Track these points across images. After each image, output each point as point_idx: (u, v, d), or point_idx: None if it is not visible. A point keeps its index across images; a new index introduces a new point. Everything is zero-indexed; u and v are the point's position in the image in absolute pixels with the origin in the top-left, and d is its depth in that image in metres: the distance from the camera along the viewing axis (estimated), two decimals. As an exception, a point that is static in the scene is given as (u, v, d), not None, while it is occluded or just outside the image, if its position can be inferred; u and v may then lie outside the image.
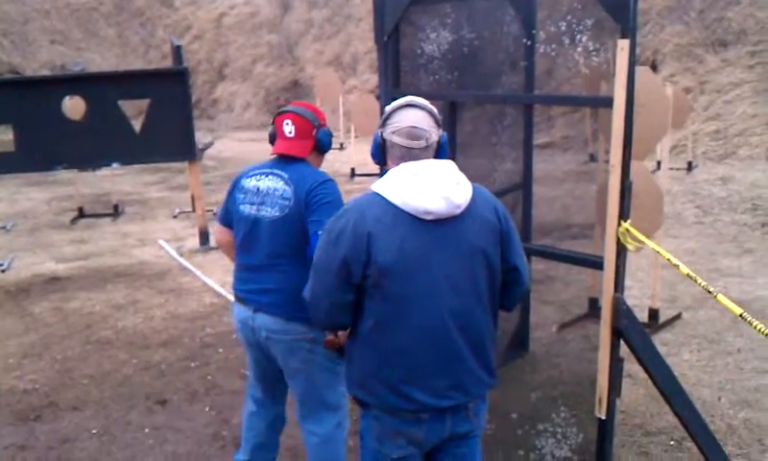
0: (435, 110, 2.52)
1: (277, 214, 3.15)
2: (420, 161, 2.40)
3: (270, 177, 3.22)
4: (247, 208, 3.26)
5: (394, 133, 2.45)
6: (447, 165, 2.43)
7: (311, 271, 2.49)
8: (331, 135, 3.34)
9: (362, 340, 2.44)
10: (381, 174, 2.53)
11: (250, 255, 3.29)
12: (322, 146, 3.28)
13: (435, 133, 2.47)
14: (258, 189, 3.23)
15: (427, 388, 2.40)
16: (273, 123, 3.30)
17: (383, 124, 2.51)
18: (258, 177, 3.26)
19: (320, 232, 2.93)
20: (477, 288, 2.44)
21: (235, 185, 3.35)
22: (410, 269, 2.34)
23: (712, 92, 12.79)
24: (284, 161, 3.24)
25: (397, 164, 2.44)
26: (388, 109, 2.53)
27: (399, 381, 2.39)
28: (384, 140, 2.50)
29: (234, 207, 3.32)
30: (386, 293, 2.35)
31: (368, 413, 2.52)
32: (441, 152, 2.51)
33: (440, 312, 2.37)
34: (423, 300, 2.36)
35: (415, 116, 2.46)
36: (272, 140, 3.30)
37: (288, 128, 3.23)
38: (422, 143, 2.44)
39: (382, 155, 2.53)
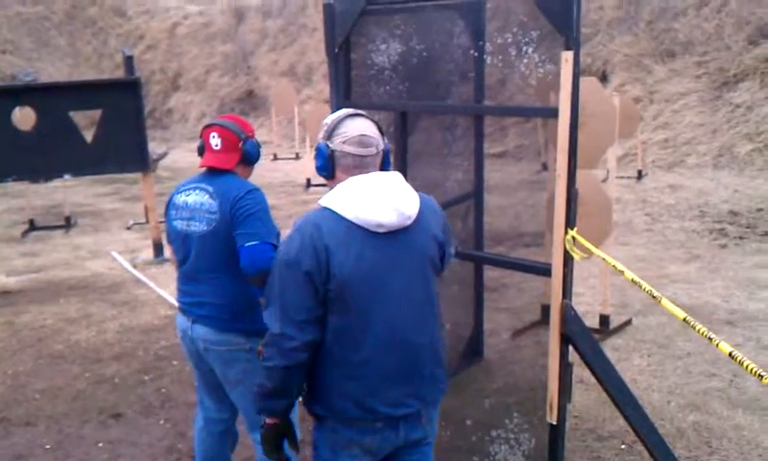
0: (376, 121, 2.56)
1: (205, 228, 3.18)
2: (369, 174, 2.43)
3: (197, 191, 3.24)
4: (179, 224, 3.29)
5: (344, 142, 2.45)
6: (395, 176, 2.47)
7: (271, 303, 2.42)
8: (259, 146, 3.35)
9: (323, 355, 2.42)
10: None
11: (185, 269, 3.32)
12: (249, 157, 3.29)
13: (381, 141, 2.51)
14: (187, 204, 3.26)
15: (387, 398, 2.43)
16: (201, 136, 3.31)
17: (329, 136, 2.49)
18: (187, 192, 3.28)
19: (247, 245, 2.97)
20: (430, 295, 2.52)
21: (169, 202, 3.38)
22: (368, 282, 2.36)
23: (661, 102, 13.04)
24: (212, 174, 3.26)
25: (348, 174, 2.44)
26: (329, 120, 2.52)
27: (362, 395, 2.41)
28: (332, 151, 2.47)
29: (169, 224, 3.35)
30: (346, 306, 2.36)
31: (323, 425, 2.53)
32: (386, 162, 2.55)
33: (399, 323, 2.41)
34: (383, 312, 2.39)
35: (362, 125, 2.48)
36: (200, 153, 3.32)
37: (214, 141, 3.25)
38: (373, 150, 2.46)
39: (331, 167, 2.49)
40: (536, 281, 6.02)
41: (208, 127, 3.30)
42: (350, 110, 2.55)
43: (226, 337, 3.18)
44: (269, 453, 2.64)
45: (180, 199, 3.29)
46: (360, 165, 2.45)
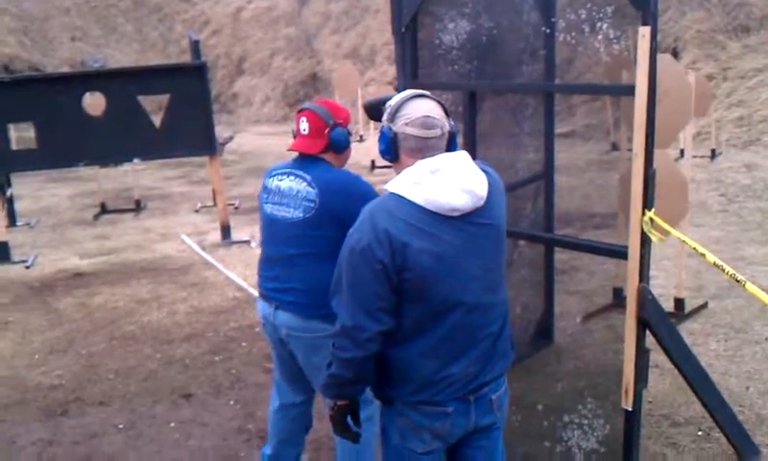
0: (441, 101, 2.48)
1: (300, 215, 3.14)
2: (436, 157, 2.35)
3: (291, 177, 3.21)
4: (269, 208, 3.28)
5: (407, 124, 2.37)
6: (463, 157, 2.40)
7: (340, 292, 2.39)
8: (348, 134, 3.28)
9: (397, 339, 2.39)
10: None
11: (271, 254, 3.32)
12: (335, 146, 3.22)
13: (447, 123, 2.43)
14: (279, 189, 3.24)
15: (462, 374, 2.40)
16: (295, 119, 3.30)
17: (392, 118, 2.42)
18: (280, 177, 3.26)
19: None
20: (501, 267, 2.49)
21: (262, 186, 3.37)
22: (446, 270, 2.31)
23: (735, 79, 12.64)
24: (305, 161, 3.23)
25: (413, 157, 2.38)
26: (393, 102, 2.44)
27: (436, 370, 2.37)
28: (395, 134, 2.40)
29: (261, 207, 3.35)
30: (424, 295, 2.32)
31: (391, 409, 2.50)
32: (452, 144, 2.47)
33: (477, 304, 2.38)
34: (462, 295, 2.35)
35: (426, 106, 2.40)
36: (294, 137, 3.30)
37: (303, 125, 3.21)
38: (438, 132, 2.38)
39: (395, 150, 2.43)
40: (607, 264, 5.92)
41: (300, 111, 3.27)
42: (414, 91, 2.47)
43: (310, 324, 3.15)
44: (341, 433, 2.64)
45: (273, 183, 3.28)
46: (424, 148, 2.37)
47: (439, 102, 2.45)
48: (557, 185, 5.01)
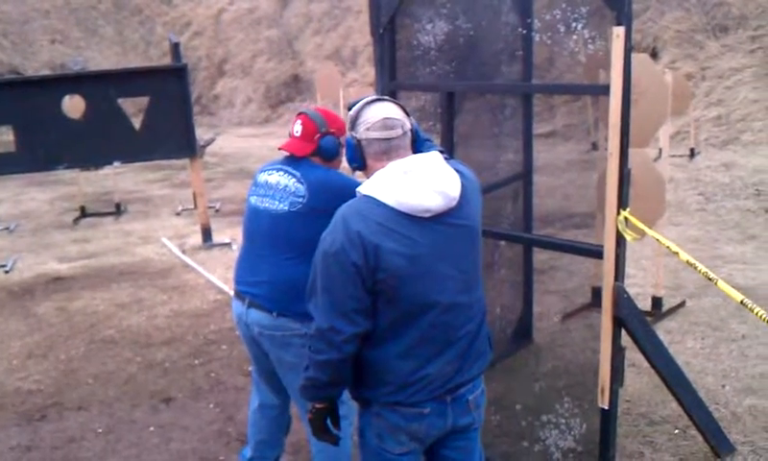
0: (399, 102, 2.52)
1: (285, 208, 3.16)
2: (408, 158, 2.38)
3: (281, 173, 3.25)
4: (254, 199, 3.32)
5: (368, 129, 2.41)
6: (435, 157, 2.41)
7: (316, 295, 2.38)
8: (339, 145, 3.28)
9: (373, 340, 2.39)
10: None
11: (249, 245, 3.35)
12: (323, 153, 3.24)
13: (407, 121, 2.46)
14: (267, 182, 3.27)
15: (438, 374, 2.41)
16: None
17: (353, 126, 2.46)
18: (270, 172, 3.30)
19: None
20: (477, 266, 2.51)
21: (252, 182, 3.40)
22: (420, 270, 2.32)
23: (714, 78, 12.72)
24: (295, 159, 3.25)
25: (379, 161, 2.41)
26: (352, 111, 2.48)
27: (412, 371, 2.38)
28: (359, 141, 2.44)
29: (247, 200, 3.38)
30: (398, 295, 2.33)
31: (368, 410, 2.51)
32: (418, 141, 2.51)
33: (453, 304, 2.40)
34: (437, 295, 2.36)
35: (384, 108, 2.44)
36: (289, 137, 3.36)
37: (297, 127, 3.26)
38: (399, 131, 2.42)
39: (361, 157, 2.47)
40: (586, 263, 5.95)
41: (299, 113, 3.31)
42: (371, 96, 2.52)
43: (280, 322, 3.17)
44: (320, 435, 2.64)
45: (262, 178, 3.31)
46: (389, 149, 2.41)
47: (397, 103, 2.51)
48: (537, 185, 5.03)
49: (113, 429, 4.55)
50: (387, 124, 2.41)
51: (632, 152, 3.34)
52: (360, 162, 2.48)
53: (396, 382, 2.40)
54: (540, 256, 5.75)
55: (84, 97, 8.27)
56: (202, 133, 12.93)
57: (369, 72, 19.53)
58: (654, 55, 13.56)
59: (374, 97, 2.51)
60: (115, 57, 23.92)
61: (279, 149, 3.32)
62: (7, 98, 8.12)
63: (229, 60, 24.12)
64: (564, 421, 3.98)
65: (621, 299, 3.29)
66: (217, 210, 10.83)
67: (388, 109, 2.44)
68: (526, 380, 4.62)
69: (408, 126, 2.46)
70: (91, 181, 12.13)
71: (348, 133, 2.49)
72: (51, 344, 5.95)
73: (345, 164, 3.27)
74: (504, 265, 4.96)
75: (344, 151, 2.69)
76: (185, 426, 4.53)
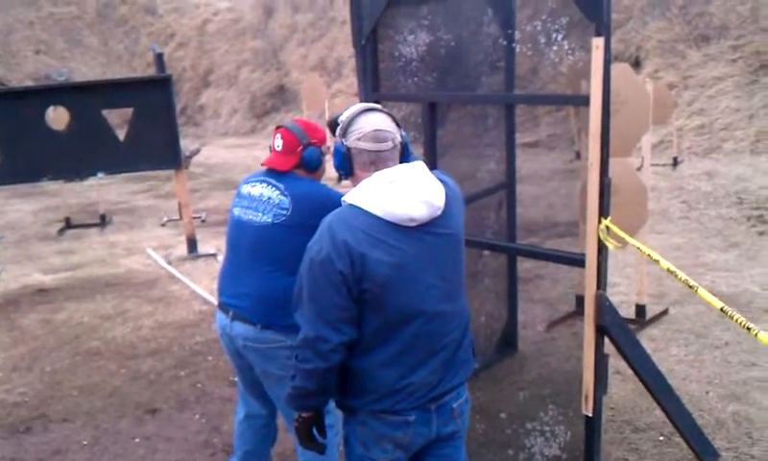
0: (391, 113, 2.53)
1: (269, 221, 3.17)
2: (393, 168, 2.40)
3: (264, 185, 3.26)
4: (237, 211, 3.32)
5: (359, 139, 2.42)
6: (420, 167, 2.44)
7: (302, 305, 2.40)
8: (321, 154, 3.30)
9: (359, 349, 2.41)
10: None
11: (233, 256, 3.35)
12: (306, 164, 3.25)
13: (398, 134, 2.47)
14: (251, 195, 3.28)
15: (423, 382, 2.42)
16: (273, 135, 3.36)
17: (344, 133, 2.47)
18: (253, 184, 3.31)
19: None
20: (461, 275, 2.53)
21: (236, 193, 3.41)
22: (405, 279, 2.34)
23: (696, 87, 12.83)
24: (277, 172, 3.26)
25: (366, 171, 2.42)
26: (344, 117, 2.49)
27: (397, 378, 2.40)
28: (348, 149, 2.45)
29: (230, 212, 3.39)
30: (384, 303, 2.34)
31: (353, 419, 2.52)
32: (406, 153, 2.52)
33: (437, 313, 2.41)
34: (421, 304, 2.38)
35: (377, 119, 2.45)
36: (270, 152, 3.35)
37: (277, 141, 3.27)
38: (389, 144, 2.43)
39: (348, 165, 2.48)
40: (571, 272, 5.98)
41: (278, 127, 3.33)
42: (365, 105, 2.52)
43: (264, 335, 3.18)
44: (307, 445, 2.65)
45: (246, 189, 3.32)
46: (377, 160, 2.42)
47: (389, 114, 2.50)
48: (521, 194, 5.06)
49: (99, 441, 4.53)
50: (378, 136, 2.42)
51: (613, 161, 3.38)
52: (347, 170, 2.49)
53: (380, 391, 2.41)
54: (524, 265, 5.78)
55: (68, 108, 8.23)
56: (187, 144, 12.94)
57: (353, 82, 19.50)
58: (636, 64, 13.67)
59: (368, 106, 2.51)
60: (100, 68, 23.86)
61: (262, 165, 3.33)
62: (-10, 110, 8.09)
63: (214, 70, 24.09)
64: (548, 429, 4.01)
65: (603, 307, 3.32)
66: (202, 221, 10.81)
67: (380, 121, 2.45)
68: (511, 389, 4.64)
69: (398, 139, 2.47)
70: (76, 193, 12.11)
71: (338, 140, 2.49)
72: (36, 356, 5.92)
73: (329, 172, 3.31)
74: (488, 274, 4.99)
75: (328, 159, 2.70)
76: (171, 438, 4.52)
